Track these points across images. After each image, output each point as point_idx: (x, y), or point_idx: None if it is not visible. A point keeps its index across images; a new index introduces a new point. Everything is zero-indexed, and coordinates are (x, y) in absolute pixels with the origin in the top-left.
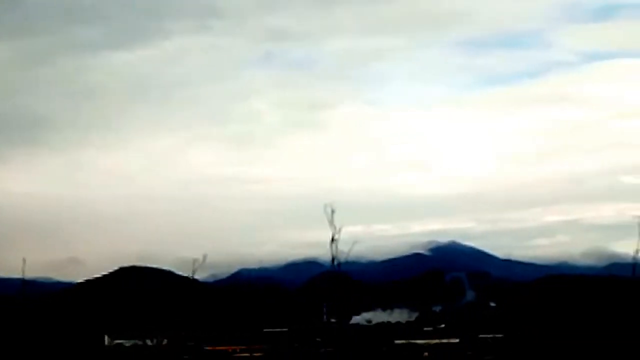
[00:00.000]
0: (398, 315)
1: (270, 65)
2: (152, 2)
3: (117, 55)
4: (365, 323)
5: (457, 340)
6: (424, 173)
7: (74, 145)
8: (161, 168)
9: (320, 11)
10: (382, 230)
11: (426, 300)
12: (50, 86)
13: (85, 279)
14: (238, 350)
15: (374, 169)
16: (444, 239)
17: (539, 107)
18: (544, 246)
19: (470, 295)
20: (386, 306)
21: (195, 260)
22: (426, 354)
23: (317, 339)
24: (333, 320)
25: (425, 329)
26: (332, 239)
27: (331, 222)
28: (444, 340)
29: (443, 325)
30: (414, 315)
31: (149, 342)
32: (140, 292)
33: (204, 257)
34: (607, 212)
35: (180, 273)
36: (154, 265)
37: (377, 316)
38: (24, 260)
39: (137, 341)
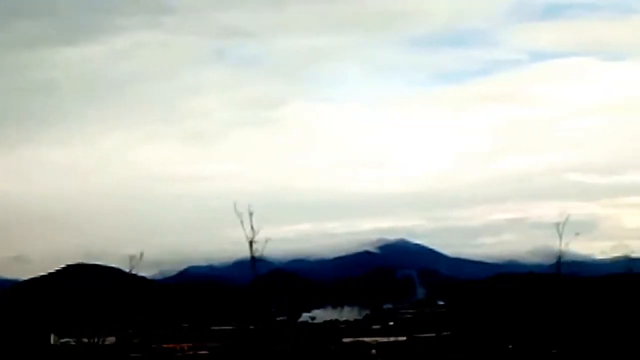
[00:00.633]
0: (348, 313)
1: (222, 63)
2: None
3: (66, 50)
4: (309, 321)
5: (405, 338)
6: (373, 171)
7: (20, 142)
8: (110, 165)
9: (272, 8)
10: (331, 228)
11: (377, 298)
12: None
13: (31, 276)
14: (186, 348)
15: (325, 166)
16: (392, 237)
17: (488, 106)
18: (492, 244)
19: (420, 292)
20: (336, 304)
21: (132, 258)
22: (374, 351)
23: (265, 337)
24: (282, 318)
25: (373, 327)
26: (251, 244)
27: (243, 223)
28: (392, 339)
29: (392, 323)
30: (364, 313)
31: (95, 341)
32: (87, 290)
33: (141, 254)
34: (553, 210)
35: (127, 270)
36: (101, 263)
37: (327, 314)
38: None
39: (83, 340)
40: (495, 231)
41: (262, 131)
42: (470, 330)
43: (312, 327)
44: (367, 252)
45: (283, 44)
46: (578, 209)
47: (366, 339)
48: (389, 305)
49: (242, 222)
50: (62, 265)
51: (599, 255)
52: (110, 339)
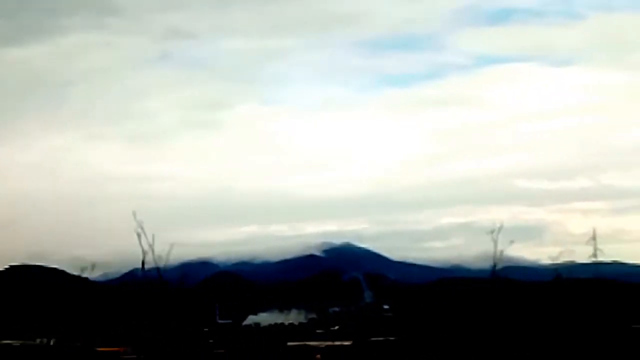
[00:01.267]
0: (294, 317)
1: (168, 64)
2: None
3: (10, 51)
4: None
5: (350, 343)
6: (319, 174)
7: None
8: (55, 166)
9: (218, 10)
10: (277, 231)
11: (323, 302)
12: None
13: None
14: (129, 351)
15: (270, 169)
16: (338, 241)
17: (435, 110)
18: (439, 248)
19: (368, 296)
20: (283, 307)
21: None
22: (318, 356)
23: (209, 340)
24: (225, 321)
25: (318, 330)
26: (143, 263)
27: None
28: (337, 343)
29: (337, 327)
30: (310, 317)
31: (38, 342)
32: (30, 291)
33: (93, 266)
34: (500, 215)
35: (71, 272)
36: (45, 264)
37: (273, 317)
38: None
39: (26, 341)
40: (441, 235)
41: (207, 133)
42: (415, 334)
43: (257, 331)
44: (312, 256)
45: (229, 45)
46: (525, 214)
47: (311, 343)
48: (336, 309)
49: (141, 230)
50: (5, 266)
51: (545, 261)
52: (52, 341)
